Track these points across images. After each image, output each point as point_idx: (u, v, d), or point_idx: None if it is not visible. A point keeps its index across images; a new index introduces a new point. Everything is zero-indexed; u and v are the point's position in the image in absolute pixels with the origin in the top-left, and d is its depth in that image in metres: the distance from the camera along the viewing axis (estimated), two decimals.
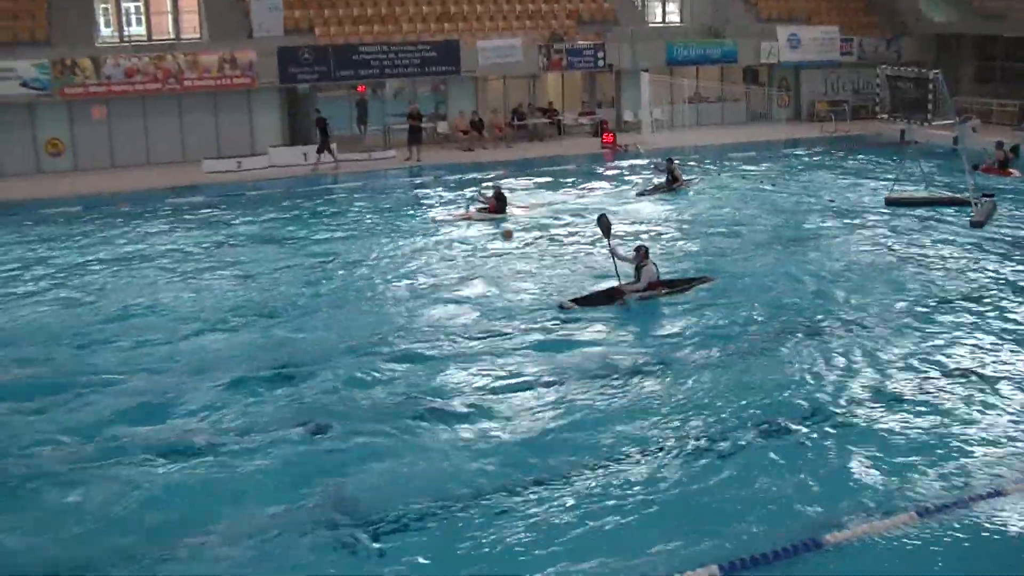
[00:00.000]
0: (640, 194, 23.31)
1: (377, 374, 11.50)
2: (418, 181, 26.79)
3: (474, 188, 24.20)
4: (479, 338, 12.70)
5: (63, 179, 27.17)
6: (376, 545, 7.74)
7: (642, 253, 14.11)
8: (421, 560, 7.52)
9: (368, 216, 21.71)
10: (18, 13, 29.35)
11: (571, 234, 19.16)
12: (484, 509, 8.24)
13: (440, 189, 25.06)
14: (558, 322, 13.27)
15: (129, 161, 28.56)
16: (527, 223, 19.97)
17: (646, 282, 13.91)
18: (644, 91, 31.84)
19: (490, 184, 23.14)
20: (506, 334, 12.79)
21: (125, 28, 30.87)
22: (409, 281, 15.80)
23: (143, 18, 31.23)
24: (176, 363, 12.02)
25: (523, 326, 13.08)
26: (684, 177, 23.97)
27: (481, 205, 21.10)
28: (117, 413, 10.48)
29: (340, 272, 16.69)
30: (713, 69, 35.20)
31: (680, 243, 18.37)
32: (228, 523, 8.12)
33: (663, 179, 23.80)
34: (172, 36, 31.01)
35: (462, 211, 21.26)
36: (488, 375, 11.35)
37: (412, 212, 22.14)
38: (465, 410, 10.32)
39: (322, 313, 14.18)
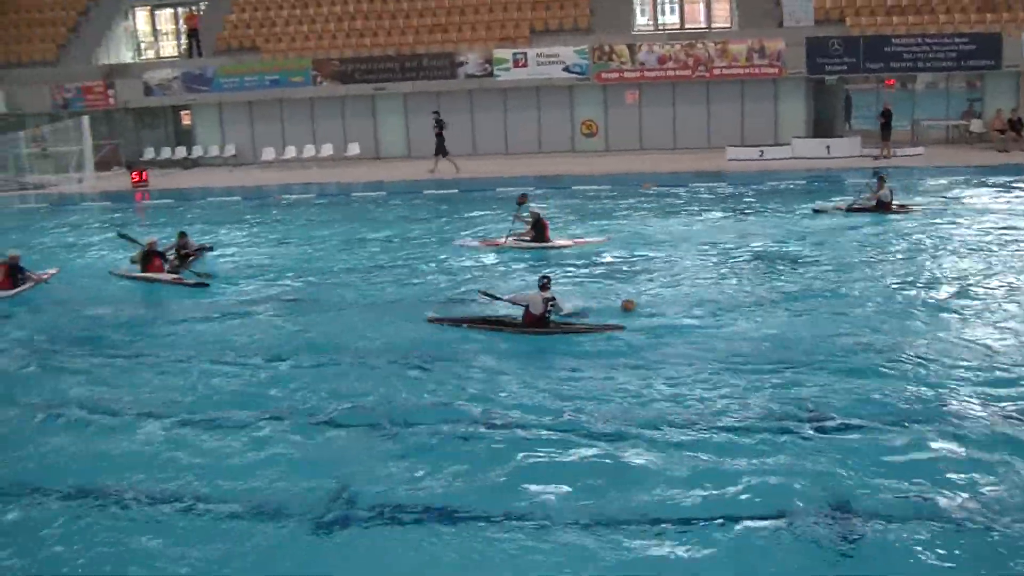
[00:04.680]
0: (818, 211, 19.45)
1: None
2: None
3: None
4: None
5: (595, 158, 29.17)
6: None
7: (543, 284, 12.21)
8: None
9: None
10: (564, 3, 32.00)
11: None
12: None
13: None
14: None
15: (657, 145, 30.02)
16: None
17: (540, 311, 12.04)
18: None
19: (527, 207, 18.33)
20: None
21: (659, 17, 32.37)
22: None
23: (676, 7, 32.53)
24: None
25: None
26: (896, 202, 19.19)
27: (521, 233, 17.39)
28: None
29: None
30: None
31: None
32: None
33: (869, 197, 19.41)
34: (704, 25, 31.99)
35: (499, 239, 17.47)
36: None
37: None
38: None
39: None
